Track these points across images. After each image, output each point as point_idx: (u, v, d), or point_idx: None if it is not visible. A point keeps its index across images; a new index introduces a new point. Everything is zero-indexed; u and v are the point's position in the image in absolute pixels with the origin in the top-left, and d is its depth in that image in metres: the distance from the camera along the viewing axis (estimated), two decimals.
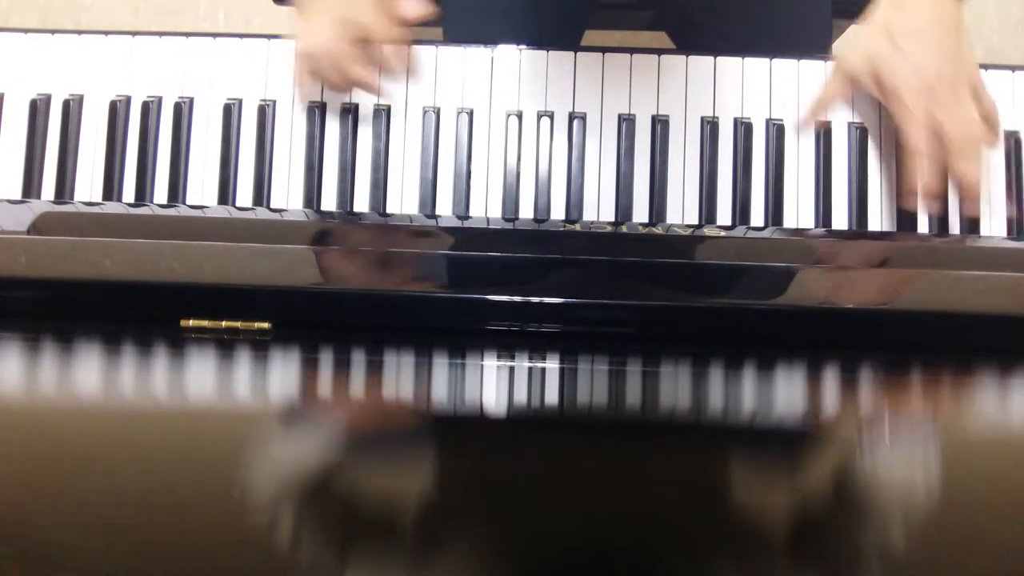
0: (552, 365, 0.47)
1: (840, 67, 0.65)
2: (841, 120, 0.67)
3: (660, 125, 0.66)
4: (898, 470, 0.34)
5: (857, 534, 0.27)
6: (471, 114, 0.67)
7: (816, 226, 0.66)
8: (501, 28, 0.66)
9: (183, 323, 0.47)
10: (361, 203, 0.66)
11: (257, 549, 0.25)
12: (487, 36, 0.66)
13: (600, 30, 0.95)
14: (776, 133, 0.66)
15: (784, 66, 0.68)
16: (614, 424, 0.39)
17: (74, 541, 0.25)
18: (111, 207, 0.63)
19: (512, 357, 0.47)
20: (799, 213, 0.66)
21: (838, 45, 0.65)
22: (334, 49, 0.64)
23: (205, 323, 0.47)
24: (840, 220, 0.66)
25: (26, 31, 0.69)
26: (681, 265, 0.53)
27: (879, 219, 0.66)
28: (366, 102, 0.67)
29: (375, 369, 0.47)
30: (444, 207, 0.66)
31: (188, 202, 0.66)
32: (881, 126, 0.67)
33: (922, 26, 0.61)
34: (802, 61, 0.68)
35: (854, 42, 0.64)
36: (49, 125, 0.67)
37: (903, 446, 0.37)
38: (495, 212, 0.66)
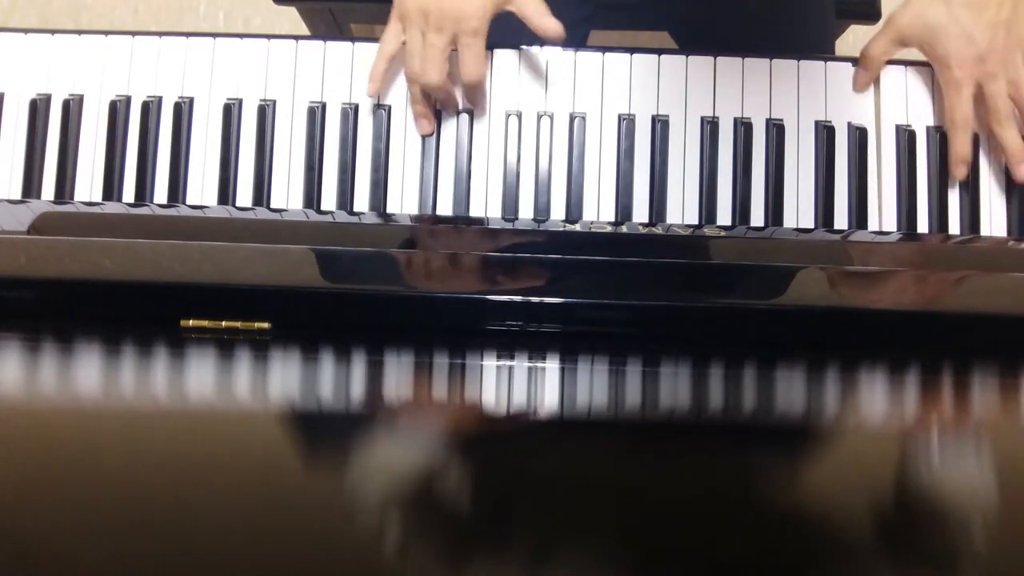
0: (552, 365, 0.47)
1: (893, 26, 0.66)
2: (841, 120, 0.67)
3: (660, 125, 0.66)
4: (900, 470, 0.34)
5: (859, 533, 0.27)
6: (471, 114, 0.67)
7: (816, 226, 0.66)
8: (510, 30, 0.66)
9: (183, 323, 0.47)
10: (361, 203, 0.66)
11: (256, 548, 0.25)
12: (494, 38, 0.66)
13: (600, 30, 0.95)
14: (776, 133, 0.66)
15: (784, 66, 0.68)
16: (614, 424, 0.39)
17: (74, 541, 0.25)
18: (111, 207, 0.63)
19: (512, 357, 0.47)
20: (799, 213, 0.66)
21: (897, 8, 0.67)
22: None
23: (205, 323, 0.47)
24: (840, 220, 0.66)
25: (26, 31, 0.69)
26: (681, 265, 0.53)
27: (879, 219, 0.66)
28: (366, 102, 0.67)
29: (375, 369, 0.47)
30: (444, 207, 0.66)
31: (188, 202, 0.66)
32: (881, 127, 0.67)
33: None
34: (802, 61, 0.68)
35: (908, 4, 0.65)
36: (49, 125, 0.67)
37: (904, 446, 0.37)
38: (495, 212, 0.66)
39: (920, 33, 0.64)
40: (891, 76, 0.68)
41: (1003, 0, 0.63)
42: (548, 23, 0.65)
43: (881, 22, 0.94)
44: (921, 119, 0.68)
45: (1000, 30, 0.62)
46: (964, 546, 0.27)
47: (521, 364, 0.46)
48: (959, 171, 0.65)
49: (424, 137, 0.66)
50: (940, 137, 0.67)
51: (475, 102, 0.66)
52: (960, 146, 0.64)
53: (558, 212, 0.66)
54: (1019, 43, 0.63)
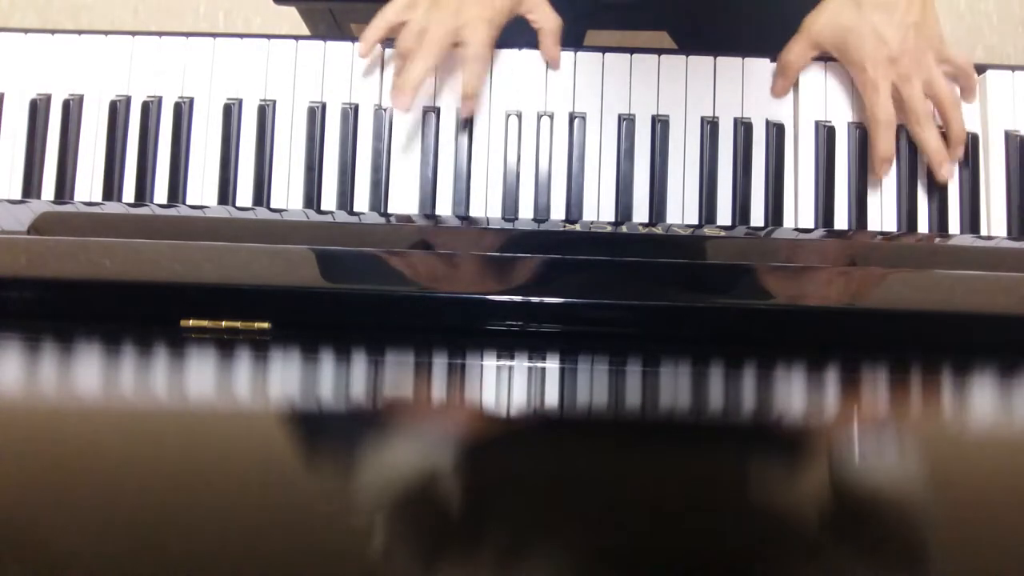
0: (552, 365, 0.47)
1: (807, 31, 0.66)
2: (841, 120, 0.67)
3: (660, 125, 0.66)
4: (898, 470, 0.34)
5: (857, 533, 0.27)
6: (470, 116, 0.67)
7: (816, 226, 0.66)
8: (507, 30, 0.66)
9: (183, 323, 0.47)
10: (361, 203, 0.66)
11: (256, 548, 0.25)
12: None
13: (600, 30, 0.95)
14: (776, 133, 0.66)
15: None
16: (614, 424, 0.39)
17: (74, 542, 0.25)
18: (111, 207, 0.63)
19: (512, 357, 0.47)
20: (799, 213, 0.66)
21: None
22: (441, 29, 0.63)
23: (205, 323, 0.47)
24: (840, 220, 0.66)
25: (26, 31, 0.69)
26: (681, 265, 0.53)
27: (879, 219, 0.66)
28: (366, 102, 0.67)
29: (375, 369, 0.47)
30: (444, 207, 0.66)
31: (188, 202, 0.66)
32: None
33: None
34: None
35: (821, 8, 0.66)
36: (49, 125, 0.67)
37: (903, 446, 0.37)
38: (495, 212, 0.66)
39: (834, 36, 0.65)
40: None
41: (912, 2, 0.63)
42: (554, 52, 0.67)
43: None
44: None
45: (911, 31, 0.63)
46: (940, 542, 0.27)
47: (521, 364, 0.46)
48: (882, 170, 0.65)
49: (423, 133, 0.66)
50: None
51: (466, 112, 0.66)
52: (884, 144, 0.64)
53: (558, 212, 0.66)
54: (930, 43, 0.64)
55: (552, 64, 0.67)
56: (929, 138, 0.64)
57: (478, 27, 0.63)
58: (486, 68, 0.65)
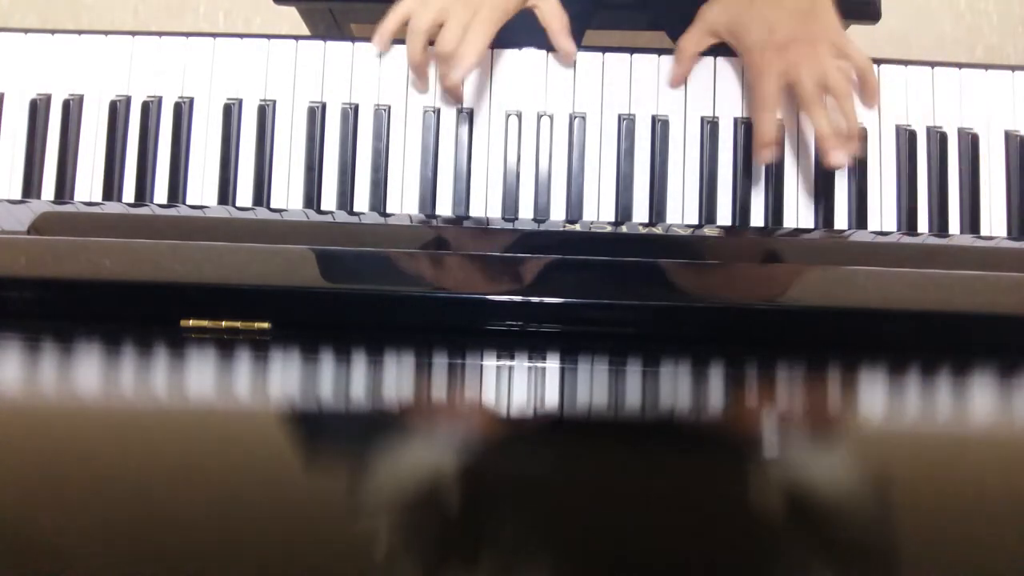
0: (552, 365, 0.47)
1: (702, 21, 0.67)
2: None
3: (660, 125, 0.66)
4: (897, 470, 0.34)
5: (853, 533, 0.27)
6: (471, 114, 0.67)
7: (816, 226, 0.66)
8: (504, 30, 0.66)
9: (183, 323, 0.47)
10: (361, 203, 0.66)
11: (256, 548, 0.25)
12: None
13: (600, 30, 0.95)
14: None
15: None
16: (614, 424, 0.39)
17: (74, 541, 0.25)
18: (111, 207, 0.63)
19: (512, 357, 0.47)
20: (799, 213, 0.66)
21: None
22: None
23: (205, 323, 0.47)
24: (840, 220, 0.66)
25: (26, 31, 0.69)
26: (681, 265, 0.53)
27: (879, 219, 0.66)
28: (366, 102, 0.67)
29: (375, 369, 0.47)
30: (444, 207, 0.66)
31: (188, 202, 0.66)
32: (880, 128, 0.67)
33: None
34: None
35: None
36: (49, 125, 0.67)
37: (903, 446, 0.37)
38: (495, 212, 0.66)
39: (727, 24, 0.65)
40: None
41: None
42: (568, 43, 0.66)
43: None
44: (921, 120, 0.68)
45: (798, 20, 0.63)
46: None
47: (521, 364, 0.46)
48: (763, 155, 0.63)
49: (423, 122, 0.66)
50: (939, 137, 0.67)
51: (455, 76, 0.64)
52: (764, 128, 0.63)
53: (558, 212, 0.66)
54: (825, 35, 0.63)
55: (566, 57, 0.67)
56: (820, 121, 0.62)
57: (483, 12, 0.63)
58: (488, 41, 0.63)
